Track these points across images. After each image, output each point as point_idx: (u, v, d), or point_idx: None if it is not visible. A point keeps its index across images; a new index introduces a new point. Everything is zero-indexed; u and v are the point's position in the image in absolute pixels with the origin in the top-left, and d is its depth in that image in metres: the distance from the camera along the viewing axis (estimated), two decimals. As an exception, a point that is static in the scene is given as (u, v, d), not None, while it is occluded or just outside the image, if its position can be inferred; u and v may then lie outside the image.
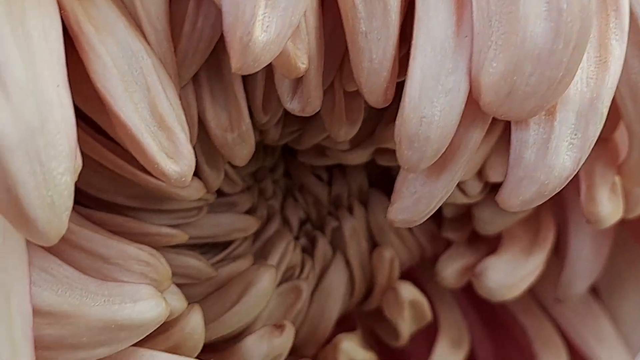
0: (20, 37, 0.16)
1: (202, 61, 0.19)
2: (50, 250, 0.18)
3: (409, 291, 0.23)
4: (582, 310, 0.26)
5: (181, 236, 0.20)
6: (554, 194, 0.18)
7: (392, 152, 0.22)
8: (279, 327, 0.21)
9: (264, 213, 0.23)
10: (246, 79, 0.20)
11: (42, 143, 0.15)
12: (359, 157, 0.22)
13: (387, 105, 0.18)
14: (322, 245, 0.23)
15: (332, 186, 0.23)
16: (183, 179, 0.17)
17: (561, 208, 0.24)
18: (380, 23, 0.18)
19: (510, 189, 0.18)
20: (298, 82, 0.19)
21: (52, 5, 0.17)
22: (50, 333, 0.18)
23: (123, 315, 0.18)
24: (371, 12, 0.18)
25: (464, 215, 0.23)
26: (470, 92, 0.17)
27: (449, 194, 0.19)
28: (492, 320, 0.26)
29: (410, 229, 0.24)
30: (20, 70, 0.15)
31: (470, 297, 0.26)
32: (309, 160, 0.23)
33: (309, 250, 0.23)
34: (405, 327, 0.23)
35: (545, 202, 0.20)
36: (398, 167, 0.22)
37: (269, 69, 0.19)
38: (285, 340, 0.21)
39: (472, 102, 0.17)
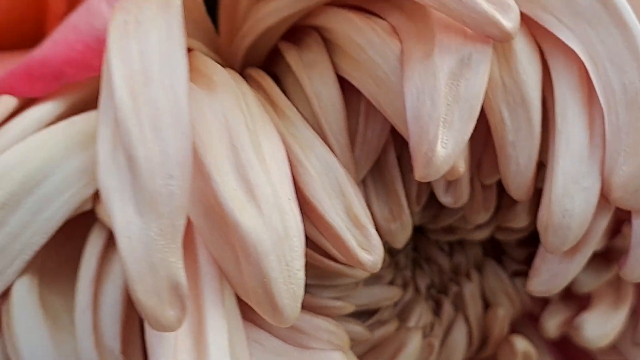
0: (262, 162, 0.20)
1: (370, 166, 0.23)
2: (261, 325, 0.22)
3: (522, 344, 0.27)
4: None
5: (349, 307, 0.24)
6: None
7: (508, 230, 0.26)
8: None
9: (400, 282, 0.27)
10: (404, 178, 0.24)
11: (287, 246, 0.19)
12: (482, 234, 0.26)
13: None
14: (447, 307, 0.27)
15: (452, 257, 0.27)
16: (376, 266, 0.21)
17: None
18: (525, 134, 0.22)
19: (632, 264, 0.22)
20: (451, 180, 0.23)
21: (274, 131, 0.21)
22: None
23: (323, 376, 0.22)
24: (517, 126, 0.22)
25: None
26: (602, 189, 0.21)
27: (579, 271, 0.23)
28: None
29: (515, 291, 0.28)
30: (266, 188, 0.19)
31: (557, 346, 0.30)
32: (438, 237, 0.27)
33: (435, 311, 0.27)
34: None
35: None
36: (509, 240, 0.27)
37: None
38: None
39: (602, 197, 0.22)
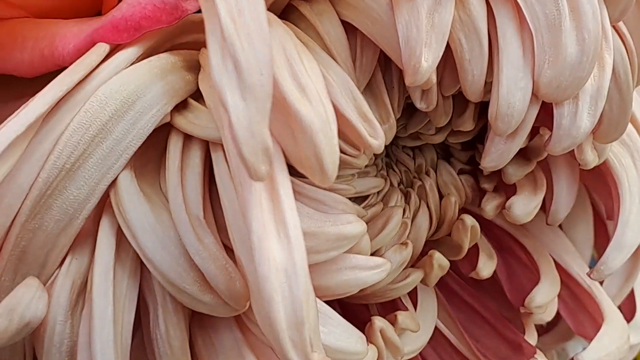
0: (307, 72, 0.28)
1: (366, 83, 0.31)
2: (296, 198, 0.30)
3: (470, 219, 0.36)
4: (556, 233, 0.40)
5: (351, 190, 0.33)
6: (579, 144, 0.31)
7: (458, 133, 0.35)
8: (404, 244, 0.34)
9: (381, 177, 0.35)
10: (388, 89, 0.32)
11: (328, 128, 0.27)
12: (440, 137, 0.35)
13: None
14: (413, 197, 0.36)
15: (415, 159, 0.36)
16: (380, 148, 0.30)
17: (547, 167, 0.37)
18: (477, 53, 0.30)
19: (555, 142, 0.31)
20: (424, 90, 0.32)
21: (310, 54, 0.29)
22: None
23: (345, 231, 0.30)
24: (471, 47, 0.30)
25: (495, 172, 0.37)
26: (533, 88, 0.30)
27: (518, 150, 0.32)
28: (501, 246, 0.39)
29: (462, 184, 0.37)
30: (312, 88, 0.28)
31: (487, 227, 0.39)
32: (406, 143, 0.35)
33: (406, 201, 0.36)
34: (467, 244, 0.36)
35: (538, 162, 0.33)
36: (456, 144, 0.35)
37: (403, 83, 0.32)
38: (409, 252, 0.34)
39: (533, 95, 0.30)
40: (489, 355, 0.38)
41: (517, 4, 0.30)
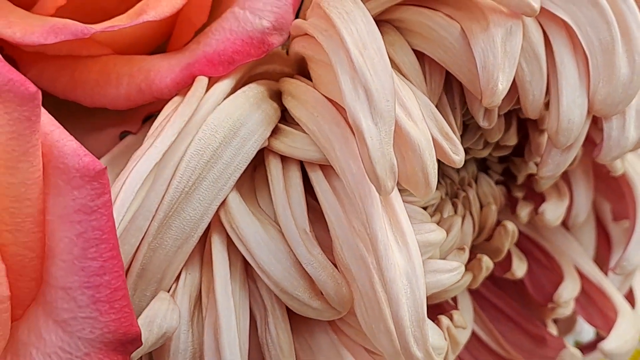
0: (410, 98, 0.31)
1: (435, 104, 0.35)
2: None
3: (511, 225, 0.39)
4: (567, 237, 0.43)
5: (421, 202, 0.36)
6: (628, 152, 0.35)
7: (501, 147, 0.38)
8: (462, 249, 0.37)
9: (434, 191, 0.38)
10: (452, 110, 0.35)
11: (430, 147, 0.31)
12: (486, 152, 0.38)
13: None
14: (459, 207, 0.39)
15: (459, 173, 0.39)
16: (461, 163, 0.33)
17: (567, 177, 0.41)
18: (537, 76, 0.34)
19: (605, 152, 0.35)
20: (486, 110, 0.35)
21: (405, 84, 0.32)
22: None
23: (430, 238, 0.33)
24: (532, 70, 0.34)
25: (524, 183, 0.40)
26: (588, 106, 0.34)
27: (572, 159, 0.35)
28: (523, 250, 0.43)
29: (498, 194, 0.40)
30: (416, 112, 0.31)
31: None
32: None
33: (455, 210, 0.39)
34: (506, 247, 0.40)
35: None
36: (494, 159, 0.39)
37: (463, 103, 0.35)
38: (466, 256, 0.37)
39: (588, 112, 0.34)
40: (517, 350, 0.41)
41: (570, 31, 0.33)
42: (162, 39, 0.36)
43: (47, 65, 0.33)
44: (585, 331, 0.47)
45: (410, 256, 0.29)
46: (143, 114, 0.34)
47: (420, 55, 0.34)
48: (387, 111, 0.28)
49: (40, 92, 0.26)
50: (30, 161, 0.26)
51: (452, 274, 0.33)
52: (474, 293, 0.41)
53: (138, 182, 0.30)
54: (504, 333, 0.42)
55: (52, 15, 0.33)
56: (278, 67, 0.35)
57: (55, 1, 0.33)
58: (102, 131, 0.35)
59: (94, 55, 0.34)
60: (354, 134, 0.29)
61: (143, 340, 0.29)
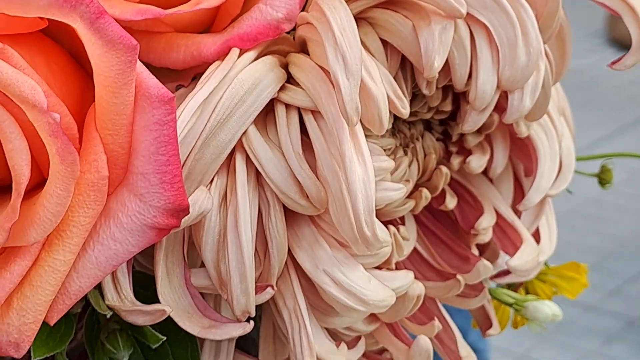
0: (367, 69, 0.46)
1: (393, 75, 0.50)
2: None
3: (445, 169, 0.54)
4: (489, 185, 0.58)
5: (379, 143, 0.51)
6: (524, 117, 0.50)
7: (440, 112, 0.53)
8: (407, 180, 0.52)
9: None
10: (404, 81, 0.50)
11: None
12: (429, 115, 0.53)
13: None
14: (409, 154, 0.54)
15: (410, 129, 0.54)
16: (406, 115, 0.48)
17: (489, 138, 0.56)
18: (464, 60, 0.49)
19: (509, 115, 0.50)
20: (428, 82, 0.50)
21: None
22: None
23: (384, 165, 0.48)
24: (460, 55, 0.49)
25: (458, 141, 0.55)
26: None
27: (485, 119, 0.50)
28: (455, 192, 0.58)
29: (438, 147, 0.55)
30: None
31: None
32: (407, 119, 0.54)
33: (405, 155, 0.54)
34: (441, 185, 0.54)
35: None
36: (436, 120, 0.54)
37: (412, 77, 0.50)
38: (410, 187, 0.52)
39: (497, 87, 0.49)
40: (447, 265, 0.56)
41: (487, 30, 0.48)
42: (208, 23, 0.51)
43: (133, 36, 0.48)
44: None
45: (367, 168, 0.44)
46: (192, 73, 0.49)
47: (384, 43, 0.49)
48: (356, 71, 0.43)
49: (138, 45, 0.40)
50: (128, 89, 0.41)
51: (397, 192, 0.48)
52: (417, 220, 0.56)
53: (191, 111, 0.44)
54: (438, 252, 0.56)
55: (137, 2, 0.48)
56: (286, 47, 0.50)
57: (139, -9, 0.47)
58: (165, 84, 0.49)
59: (162, 32, 0.49)
60: (334, 88, 0.44)
61: (186, 221, 0.44)
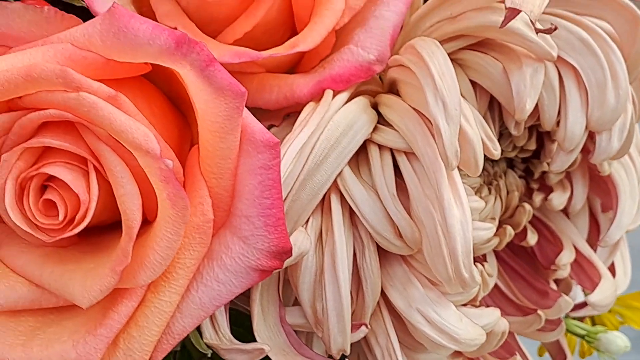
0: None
1: (482, 117, 0.50)
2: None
3: (529, 206, 0.55)
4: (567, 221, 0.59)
5: (467, 183, 0.51)
6: (612, 158, 0.50)
7: (524, 150, 0.53)
8: (493, 219, 0.53)
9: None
10: (493, 122, 0.51)
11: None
12: (513, 153, 0.53)
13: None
14: (493, 191, 0.54)
15: (493, 167, 0.55)
16: (498, 157, 0.48)
17: (569, 176, 0.57)
18: (553, 101, 0.49)
19: (596, 156, 0.50)
20: (517, 122, 0.50)
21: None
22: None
23: (476, 205, 0.49)
24: (549, 97, 0.49)
25: (539, 178, 0.56)
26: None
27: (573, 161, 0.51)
28: (535, 228, 0.58)
29: (520, 184, 0.56)
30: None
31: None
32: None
33: (489, 193, 0.54)
34: (524, 222, 0.55)
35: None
36: (519, 159, 0.54)
37: (500, 117, 0.50)
38: (496, 224, 0.53)
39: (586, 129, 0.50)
40: (526, 300, 0.57)
41: (576, 72, 0.49)
42: (295, 62, 0.52)
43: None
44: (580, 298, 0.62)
45: (464, 211, 0.44)
46: (284, 113, 0.50)
47: (473, 84, 0.49)
48: (455, 116, 0.43)
49: (246, 92, 0.41)
50: (235, 134, 0.42)
51: (487, 231, 0.48)
52: (497, 256, 0.57)
53: (292, 154, 0.45)
54: (518, 287, 0.57)
55: (231, 44, 0.48)
56: (374, 87, 0.50)
57: (233, 35, 0.48)
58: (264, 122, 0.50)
59: (254, 72, 0.49)
60: (430, 131, 0.44)
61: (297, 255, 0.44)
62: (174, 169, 0.41)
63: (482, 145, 0.44)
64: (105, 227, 0.45)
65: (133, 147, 0.39)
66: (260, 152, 0.41)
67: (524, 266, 0.57)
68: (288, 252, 0.42)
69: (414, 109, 0.46)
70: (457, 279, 0.44)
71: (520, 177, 0.54)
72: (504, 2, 0.43)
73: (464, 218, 0.43)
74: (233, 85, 0.40)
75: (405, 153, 0.46)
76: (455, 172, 0.44)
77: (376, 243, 0.47)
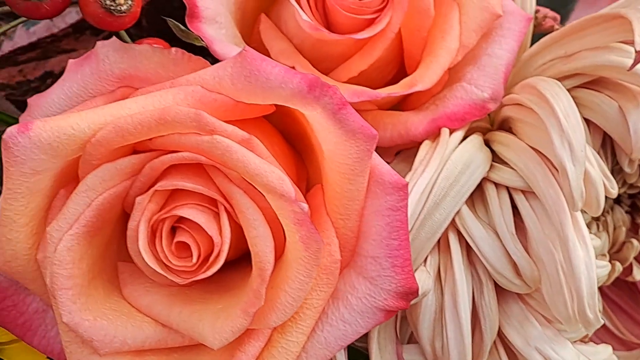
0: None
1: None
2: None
3: (637, 243, 0.54)
4: None
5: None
6: None
7: (633, 187, 0.53)
8: (604, 255, 0.52)
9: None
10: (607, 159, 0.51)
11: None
12: (623, 190, 0.53)
13: None
14: (601, 226, 0.54)
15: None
16: (615, 195, 0.48)
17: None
18: None
19: None
20: (631, 160, 0.50)
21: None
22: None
23: (594, 244, 0.48)
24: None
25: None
26: None
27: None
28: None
29: (628, 220, 0.55)
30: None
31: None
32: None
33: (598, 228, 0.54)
34: (631, 257, 0.55)
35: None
36: (625, 194, 0.54)
37: (613, 154, 0.50)
38: (607, 260, 0.52)
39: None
40: (629, 334, 0.56)
41: None
42: (404, 98, 0.52)
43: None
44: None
45: (588, 251, 0.44)
46: (396, 150, 0.50)
47: (587, 121, 0.49)
48: (581, 157, 0.43)
49: (377, 135, 0.41)
50: (364, 175, 0.42)
51: (603, 269, 0.48)
52: (601, 291, 0.56)
53: (417, 195, 0.45)
54: (621, 321, 0.56)
55: (344, 82, 0.48)
56: (484, 124, 0.50)
57: (349, 73, 0.48)
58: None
59: (367, 110, 0.49)
60: (550, 171, 0.44)
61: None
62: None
63: (603, 186, 0.44)
64: (227, 264, 0.45)
65: (267, 190, 0.39)
66: (389, 194, 0.41)
67: (627, 300, 0.56)
68: (415, 293, 0.42)
69: (532, 148, 0.45)
70: (581, 319, 0.44)
71: (626, 212, 0.54)
72: (627, 43, 0.43)
73: (588, 259, 0.43)
74: (365, 128, 0.40)
75: (523, 192, 0.46)
76: (578, 212, 0.44)
77: (494, 281, 0.46)
